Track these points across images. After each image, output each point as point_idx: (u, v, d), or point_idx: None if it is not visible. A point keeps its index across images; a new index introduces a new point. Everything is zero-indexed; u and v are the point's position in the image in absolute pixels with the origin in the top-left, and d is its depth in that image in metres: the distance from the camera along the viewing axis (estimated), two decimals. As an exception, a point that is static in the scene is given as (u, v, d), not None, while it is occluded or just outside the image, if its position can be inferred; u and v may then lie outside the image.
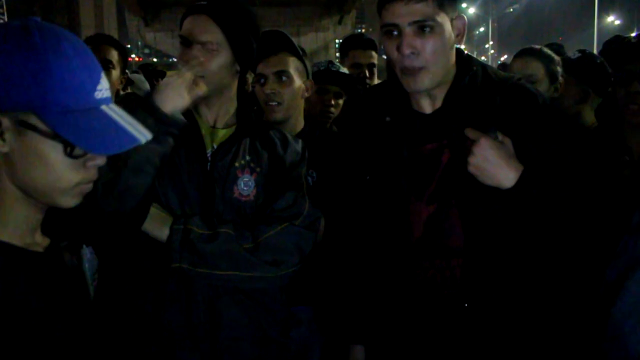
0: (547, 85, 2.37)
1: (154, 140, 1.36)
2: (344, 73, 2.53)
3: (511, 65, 2.51)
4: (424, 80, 1.46)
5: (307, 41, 12.03)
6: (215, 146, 1.64)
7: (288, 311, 1.78)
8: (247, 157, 1.65)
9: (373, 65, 3.00)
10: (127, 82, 3.14)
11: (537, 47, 2.52)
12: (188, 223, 1.53)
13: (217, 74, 1.60)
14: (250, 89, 2.41)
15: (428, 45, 1.43)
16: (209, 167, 1.61)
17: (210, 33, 1.58)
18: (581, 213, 1.46)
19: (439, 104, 1.54)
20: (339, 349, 1.80)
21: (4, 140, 0.92)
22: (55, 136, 0.91)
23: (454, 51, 1.52)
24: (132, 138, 0.95)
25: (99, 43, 2.75)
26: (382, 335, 1.65)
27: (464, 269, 1.53)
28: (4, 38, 0.91)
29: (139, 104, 1.44)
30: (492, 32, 50.18)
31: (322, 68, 2.45)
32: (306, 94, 2.09)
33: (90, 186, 1.00)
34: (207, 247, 1.52)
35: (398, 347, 1.63)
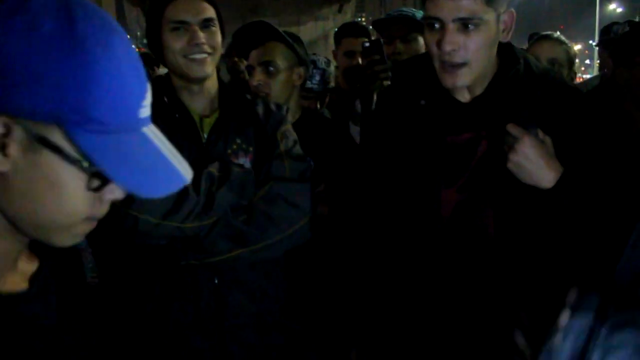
0: (567, 71, 2.44)
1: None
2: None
3: (533, 48, 2.54)
4: (464, 78, 1.43)
5: (307, 30, 11.94)
6: (206, 136, 1.65)
7: (289, 296, 1.79)
8: (238, 140, 1.65)
9: None
10: None
11: (555, 34, 2.58)
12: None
13: (217, 43, 1.68)
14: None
15: (471, 43, 1.38)
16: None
17: (208, 10, 1.61)
18: (618, 217, 1.44)
19: (477, 92, 1.51)
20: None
21: (5, 155, 0.68)
22: (82, 163, 0.70)
23: (497, 45, 1.49)
24: (180, 177, 0.76)
25: None
26: (397, 319, 1.64)
27: (492, 258, 1.51)
28: (36, 19, 0.66)
29: (238, 182, 1.58)
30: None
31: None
32: (298, 82, 2.10)
33: (94, 224, 0.80)
34: (207, 239, 1.52)
35: (415, 331, 1.62)
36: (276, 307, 1.72)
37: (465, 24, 1.37)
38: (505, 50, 1.53)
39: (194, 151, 1.58)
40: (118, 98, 0.70)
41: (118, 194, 0.77)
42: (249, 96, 1.79)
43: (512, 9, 1.47)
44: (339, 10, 12.24)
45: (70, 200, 0.73)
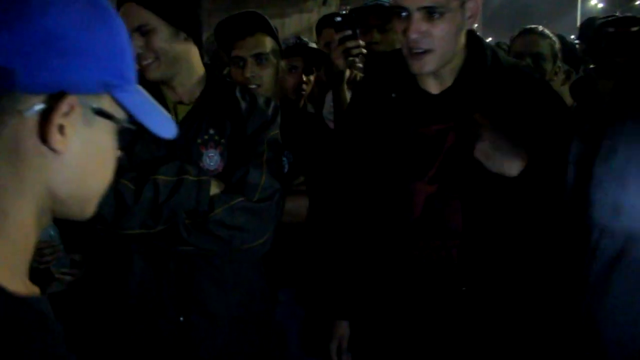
0: (551, 65, 2.42)
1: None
2: (313, 47, 2.52)
3: (517, 43, 2.52)
4: (430, 64, 1.46)
5: (292, 23, 11.88)
6: (178, 121, 1.63)
7: (268, 290, 1.78)
8: (211, 131, 1.64)
9: None
10: None
11: (540, 27, 2.55)
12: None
13: (161, 49, 1.59)
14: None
15: (436, 31, 1.42)
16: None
17: (138, 16, 1.58)
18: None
19: (446, 84, 1.54)
20: (318, 331, 1.82)
21: (62, 134, 0.68)
22: (125, 123, 0.75)
23: (464, 33, 1.51)
24: (168, 118, 0.83)
25: None
26: (372, 312, 1.66)
27: (461, 251, 1.54)
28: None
29: (194, 191, 1.55)
30: (479, 13, 49.91)
31: (290, 44, 2.44)
32: (282, 75, 2.09)
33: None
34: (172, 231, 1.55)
35: (388, 326, 1.64)
36: (254, 299, 1.71)
37: (430, 13, 1.42)
38: (473, 43, 1.55)
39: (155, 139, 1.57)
40: (132, 59, 0.77)
41: (119, 154, 0.80)
42: (238, 91, 1.75)
43: None
44: (324, 3, 12.20)
45: (111, 166, 0.77)
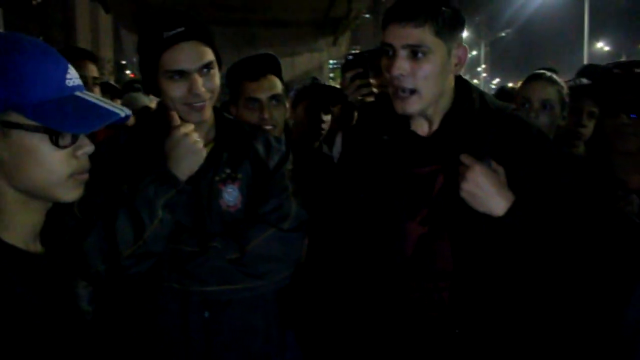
0: (559, 112, 2.39)
1: (170, 210, 1.47)
2: (330, 86, 2.54)
3: (525, 88, 2.48)
4: (413, 105, 1.48)
5: (302, 61, 12.10)
6: None
7: (282, 334, 1.77)
8: (227, 170, 1.64)
9: None
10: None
11: (548, 73, 2.51)
12: (177, 242, 1.53)
13: (217, 88, 1.61)
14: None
15: (419, 70, 1.45)
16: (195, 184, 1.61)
17: (206, 54, 1.54)
18: (576, 246, 1.47)
19: (435, 127, 1.56)
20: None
21: None
22: (38, 127, 0.95)
23: (451, 77, 1.54)
24: (112, 113, 0.99)
25: (84, 58, 2.66)
26: (369, 356, 1.65)
27: (451, 293, 1.53)
28: None
29: (159, 178, 1.47)
30: (484, 55, 50.68)
31: (307, 84, 2.46)
32: (287, 115, 2.12)
33: (86, 176, 1.04)
34: (195, 266, 1.52)
35: None
36: (269, 343, 1.70)
37: (414, 52, 1.44)
38: (461, 86, 1.58)
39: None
40: (41, 78, 0.95)
41: (89, 148, 1.01)
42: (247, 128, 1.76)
43: (465, 45, 1.54)
44: (334, 43, 12.44)
45: (46, 160, 0.97)
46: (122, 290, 1.56)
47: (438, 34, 1.43)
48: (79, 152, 1.01)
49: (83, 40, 18.00)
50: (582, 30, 28.96)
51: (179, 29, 1.50)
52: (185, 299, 1.56)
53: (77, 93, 1.01)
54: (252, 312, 1.64)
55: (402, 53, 1.45)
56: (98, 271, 1.42)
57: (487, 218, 1.44)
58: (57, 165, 0.98)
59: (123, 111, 1.01)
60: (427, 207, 1.55)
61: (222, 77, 2.60)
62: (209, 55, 1.55)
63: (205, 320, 1.58)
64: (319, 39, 12.48)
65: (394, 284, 1.57)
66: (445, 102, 1.55)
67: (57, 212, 1.10)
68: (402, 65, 1.44)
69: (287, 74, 2.27)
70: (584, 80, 2.76)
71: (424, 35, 1.43)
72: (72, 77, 1.01)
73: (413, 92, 1.47)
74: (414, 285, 1.56)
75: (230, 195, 1.62)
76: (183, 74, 1.51)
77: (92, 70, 2.64)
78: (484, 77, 50.83)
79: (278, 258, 1.58)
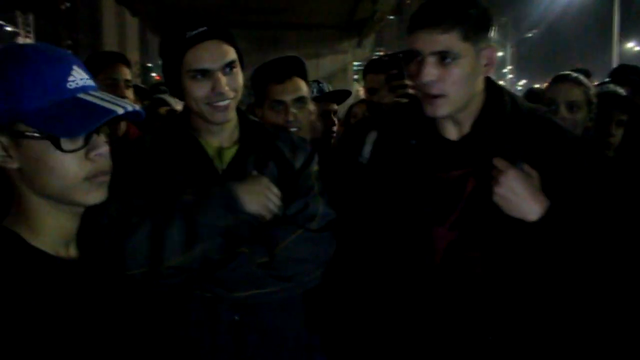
0: (586, 113, 2.36)
1: (225, 236, 1.49)
2: (338, 90, 2.54)
3: (550, 90, 2.46)
4: (443, 108, 1.46)
5: (326, 64, 12.08)
6: (224, 167, 1.63)
7: (310, 336, 1.76)
8: (254, 172, 1.63)
9: None
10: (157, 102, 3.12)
11: (574, 74, 2.49)
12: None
13: (240, 87, 1.61)
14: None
15: (448, 75, 1.42)
16: None
17: (229, 53, 1.55)
18: (610, 252, 1.43)
19: (465, 130, 1.53)
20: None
21: (11, 157, 0.98)
22: (42, 135, 0.96)
23: (480, 80, 1.50)
24: (107, 111, 0.97)
25: (117, 61, 2.72)
26: None
27: (483, 298, 1.50)
28: None
29: (228, 203, 1.46)
30: (510, 56, 50.07)
31: (314, 91, 2.46)
32: (312, 117, 2.11)
33: (105, 178, 1.03)
34: (225, 273, 1.50)
35: None
36: (296, 347, 1.69)
37: (442, 57, 1.41)
38: (492, 89, 1.55)
39: (205, 184, 1.57)
40: (39, 86, 0.96)
41: (102, 149, 1.00)
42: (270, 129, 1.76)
43: (494, 44, 1.50)
44: (358, 44, 12.40)
45: (56, 165, 0.97)
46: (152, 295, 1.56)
47: (466, 38, 1.40)
48: (92, 154, 1.01)
49: (110, 43, 18.25)
50: (611, 30, 28.41)
51: (201, 29, 1.51)
52: (214, 304, 1.55)
53: (80, 95, 1.00)
54: (281, 314, 1.63)
55: (430, 59, 1.42)
56: (133, 274, 1.42)
57: (519, 223, 1.40)
58: (68, 170, 0.98)
59: (123, 108, 0.99)
60: (457, 212, 1.52)
61: (247, 80, 2.61)
62: (232, 54, 1.55)
63: (235, 322, 1.57)
64: (343, 40, 12.46)
65: (422, 290, 1.55)
66: (475, 105, 1.52)
67: (93, 215, 1.10)
68: (430, 71, 1.42)
69: (311, 76, 2.27)
70: (611, 86, 2.72)
71: (451, 40, 1.40)
72: (76, 78, 1.01)
73: (440, 96, 1.44)
74: (444, 290, 1.53)
75: None
76: (206, 73, 1.51)
77: (125, 73, 2.69)
78: (510, 78, 50.23)
79: (307, 259, 1.56)
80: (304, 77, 2.13)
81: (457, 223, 1.52)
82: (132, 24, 17.42)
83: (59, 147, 0.96)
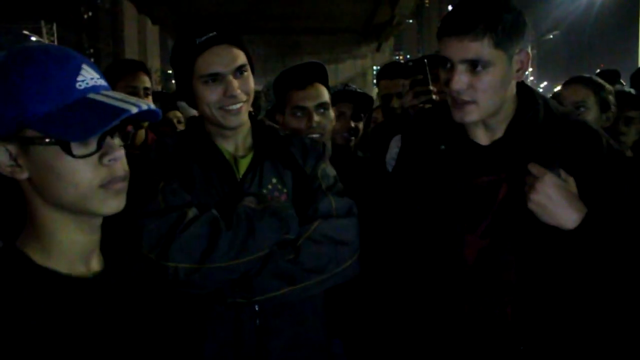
0: (597, 114, 2.33)
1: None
2: (359, 92, 2.51)
3: (561, 93, 2.46)
4: (472, 114, 1.42)
5: (345, 68, 12.10)
6: (240, 174, 1.63)
7: (329, 341, 1.75)
8: (274, 180, 1.62)
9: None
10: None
11: (587, 75, 2.47)
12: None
13: (252, 90, 1.61)
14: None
15: (479, 83, 1.38)
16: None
17: (239, 57, 1.55)
18: None
19: (496, 135, 1.49)
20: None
21: (20, 167, 0.92)
22: (51, 140, 0.89)
23: (513, 84, 1.45)
24: (120, 110, 0.89)
25: (137, 69, 2.74)
26: None
27: (515, 307, 1.46)
28: None
29: (279, 217, 1.50)
30: (531, 58, 49.75)
31: (338, 89, 2.44)
32: (334, 123, 2.11)
33: (121, 185, 0.96)
34: (256, 277, 1.48)
35: None
36: (316, 351, 1.67)
37: (473, 65, 1.38)
38: (525, 93, 1.51)
39: (228, 190, 1.58)
40: (47, 88, 0.89)
41: (118, 154, 0.93)
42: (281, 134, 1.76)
43: (528, 49, 1.45)
44: (377, 49, 12.39)
45: (67, 172, 0.90)
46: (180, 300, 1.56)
47: (497, 44, 1.35)
48: (107, 159, 0.93)
49: (131, 51, 18.49)
50: (636, 32, 28.01)
51: (211, 34, 1.53)
52: (238, 310, 1.54)
53: (91, 95, 0.93)
54: (301, 318, 1.62)
55: (461, 67, 1.38)
56: (177, 269, 1.39)
57: (555, 230, 1.36)
58: (80, 177, 0.91)
59: (136, 106, 0.91)
60: (489, 219, 1.49)
61: (266, 86, 2.60)
62: (242, 58, 1.57)
63: (257, 327, 1.56)
64: (362, 45, 12.46)
65: (453, 298, 1.51)
66: (507, 110, 1.47)
67: (118, 224, 1.06)
68: (460, 79, 1.38)
69: (331, 81, 2.26)
70: (617, 86, 2.72)
71: (482, 48, 1.35)
72: (86, 78, 0.93)
73: (470, 102, 1.41)
74: (475, 299, 1.50)
75: None
76: (217, 77, 1.53)
77: (144, 81, 2.71)
78: (531, 80, 49.82)
79: (334, 242, 1.53)
80: (326, 83, 2.13)
81: (489, 230, 1.48)
82: (153, 31, 17.61)
83: (69, 152, 0.89)
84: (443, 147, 1.54)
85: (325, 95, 2.07)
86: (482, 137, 1.51)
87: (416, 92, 2.01)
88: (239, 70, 1.55)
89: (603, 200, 1.38)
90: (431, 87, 2.01)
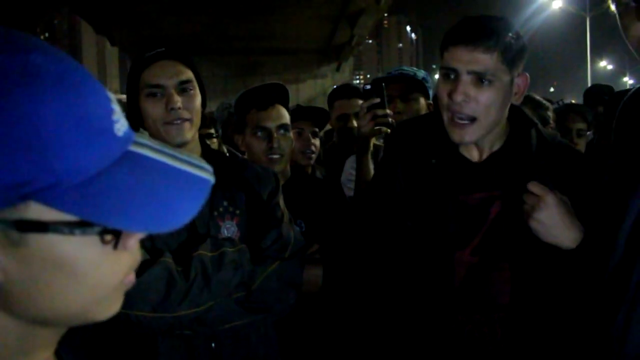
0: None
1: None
2: (316, 107, 2.52)
3: None
4: (472, 134, 1.40)
5: (306, 88, 12.19)
6: None
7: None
8: (225, 203, 1.62)
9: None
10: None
11: (526, 93, 2.59)
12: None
13: (198, 110, 1.61)
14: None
15: (483, 97, 1.36)
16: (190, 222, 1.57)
17: (184, 72, 1.55)
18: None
19: (487, 152, 1.46)
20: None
21: None
22: (82, 227, 0.53)
23: (508, 107, 1.45)
24: (204, 180, 0.60)
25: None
26: None
27: (506, 326, 1.45)
28: None
29: (236, 261, 1.50)
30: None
31: (293, 108, 2.45)
32: (292, 145, 2.12)
33: (133, 277, 0.62)
34: (204, 313, 1.50)
35: None
36: None
37: (480, 78, 1.36)
38: (516, 114, 1.51)
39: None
40: (87, 134, 0.52)
41: (138, 234, 0.58)
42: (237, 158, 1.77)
43: (526, 73, 1.46)
44: (337, 69, 12.53)
45: (91, 271, 0.56)
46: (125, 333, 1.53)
47: (505, 61, 1.34)
48: (131, 242, 0.57)
49: (89, 72, 18.23)
50: (585, 49, 29.08)
51: (159, 49, 1.56)
52: (190, 339, 1.53)
53: (132, 147, 0.57)
54: (255, 339, 1.62)
55: (466, 78, 1.36)
56: (129, 315, 1.39)
57: (551, 248, 1.37)
58: (102, 273, 0.57)
59: (206, 170, 0.62)
60: (479, 236, 1.48)
61: (226, 109, 2.59)
62: (188, 74, 1.56)
63: (212, 350, 1.55)
64: (322, 65, 12.58)
65: (441, 317, 1.50)
66: (499, 131, 1.46)
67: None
68: (466, 90, 1.35)
69: (291, 101, 2.27)
70: (567, 102, 2.88)
71: (492, 61, 1.33)
72: (119, 117, 0.56)
73: (473, 120, 1.38)
74: (462, 317, 1.48)
75: (229, 231, 1.59)
76: (159, 90, 1.53)
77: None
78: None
79: (284, 288, 1.57)
80: (286, 105, 2.14)
81: (480, 248, 1.47)
82: (112, 53, 17.40)
83: (108, 242, 0.55)
84: (434, 161, 1.52)
85: (286, 117, 2.08)
86: (473, 154, 1.50)
87: (374, 115, 2.02)
88: (183, 85, 1.55)
89: (591, 219, 1.39)
90: (388, 111, 2.02)
